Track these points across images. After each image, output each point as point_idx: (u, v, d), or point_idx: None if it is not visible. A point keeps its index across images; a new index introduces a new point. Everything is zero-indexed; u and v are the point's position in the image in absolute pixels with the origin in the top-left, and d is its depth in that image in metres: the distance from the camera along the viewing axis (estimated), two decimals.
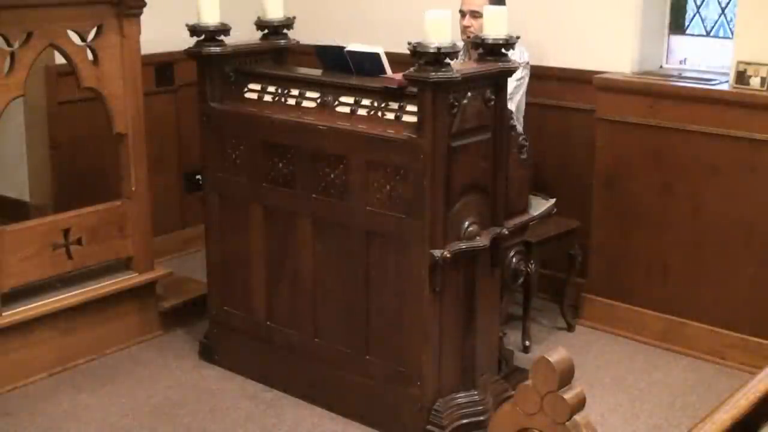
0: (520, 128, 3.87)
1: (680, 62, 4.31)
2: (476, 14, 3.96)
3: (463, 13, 4.01)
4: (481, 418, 3.31)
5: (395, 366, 3.30)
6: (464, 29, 4.00)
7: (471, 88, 3.11)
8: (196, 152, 3.92)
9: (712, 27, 4.24)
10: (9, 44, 3.58)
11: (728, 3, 4.17)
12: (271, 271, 3.65)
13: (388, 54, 3.41)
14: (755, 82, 3.74)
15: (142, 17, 3.89)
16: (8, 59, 3.56)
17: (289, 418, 3.52)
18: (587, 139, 4.24)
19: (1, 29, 3.52)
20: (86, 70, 3.79)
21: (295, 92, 3.55)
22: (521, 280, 3.54)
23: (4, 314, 3.64)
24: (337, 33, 4.40)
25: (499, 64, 3.20)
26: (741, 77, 3.77)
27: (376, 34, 4.29)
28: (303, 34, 4.05)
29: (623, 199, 4.15)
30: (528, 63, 4.05)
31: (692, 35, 4.31)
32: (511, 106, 3.97)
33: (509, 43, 3.19)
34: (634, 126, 4.06)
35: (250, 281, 3.73)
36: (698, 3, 4.26)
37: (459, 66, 3.16)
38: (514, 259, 3.41)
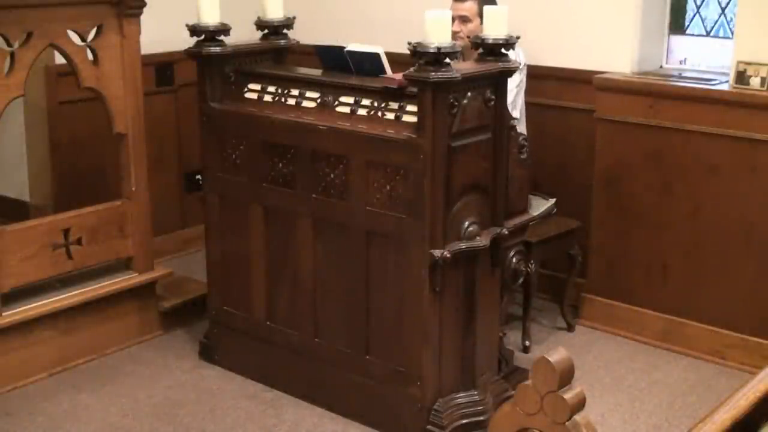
0: (523, 130, 3.85)
1: (680, 62, 4.31)
2: (465, 19, 3.96)
3: (452, 19, 3.96)
4: (481, 418, 3.31)
5: (395, 366, 3.30)
6: (454, 35, 3.95)
7: (471, 88, 3.11)
8: (196, 152, 3.93)
9: (712, 27, 4.24)
10: (9, 44, 3.58)
11: (728, 3, 4.17)
12: (271, 271, 3.65)
13: (388, 54, 3.41)
14: (755, 82, 3.74)
15: (142, 17, 3.89)
16: (8, 59, 3.56)
17: (289, 418, 3.52)
18: (587, 139, 4.24)
19: (1, 29, 3.52)
20: (86, 70, 3.79)
21: (295, 92, 3.55)
22: (521, 280, 3.54)
23: (4, 314, 3.64)
24: (337, 33, 4.40)
25: (499, 64, 3.20)
26: (741, 77, 3.77)
27: (376, 34, 4.29)
28: (303, 34, 4.05)
29: (623, 199, 4.15)
30: (525, 65, 4.03)
31: (692, 35, 4.31)
32: (516, 113, 3.97)
33: (509, 43, 3.20)
34: (634, 126, 4.06)
35: (250, 281, 3.73)
36: (698, 3, 4.26)
37: (459, 66, 3.16)
38: (514, 259, 3.41)
